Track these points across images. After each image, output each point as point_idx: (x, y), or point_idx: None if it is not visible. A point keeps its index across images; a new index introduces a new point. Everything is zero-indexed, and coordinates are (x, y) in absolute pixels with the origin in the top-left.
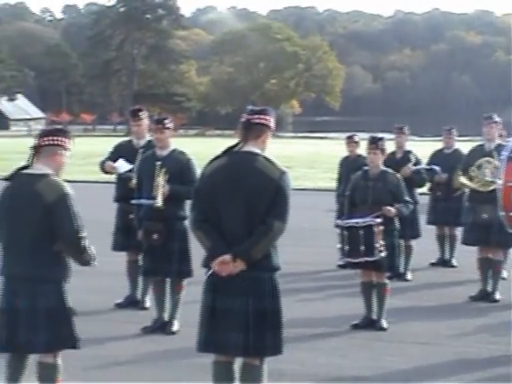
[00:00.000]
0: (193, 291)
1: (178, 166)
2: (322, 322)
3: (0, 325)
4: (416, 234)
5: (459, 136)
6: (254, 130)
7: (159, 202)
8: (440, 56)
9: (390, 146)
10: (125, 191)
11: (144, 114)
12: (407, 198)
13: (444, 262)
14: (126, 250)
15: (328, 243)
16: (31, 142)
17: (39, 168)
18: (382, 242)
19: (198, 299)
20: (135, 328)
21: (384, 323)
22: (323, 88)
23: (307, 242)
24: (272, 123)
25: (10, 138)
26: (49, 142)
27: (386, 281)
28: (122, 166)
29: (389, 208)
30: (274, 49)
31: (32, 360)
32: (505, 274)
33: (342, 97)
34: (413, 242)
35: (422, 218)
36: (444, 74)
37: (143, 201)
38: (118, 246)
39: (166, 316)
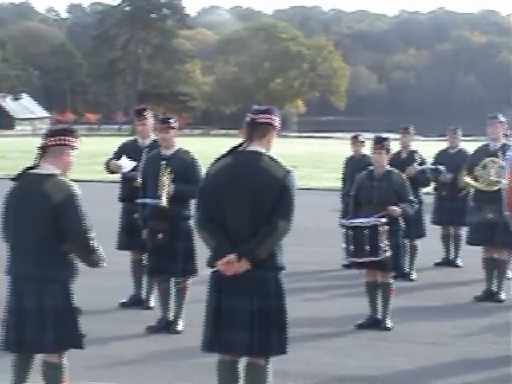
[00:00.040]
0: (197, 291)
1: (183, 165)
2: (327, 321)
3: (8, 325)
4: (421, 234)
5: (464, 136)
6: (259, 130)
7: (164, 201)
8: (445, 56)
9: (395, 146)
10: (130, 191)
11: (149, 114)
12: (412, 198)
13: (449, 262)
14: (130, 249)
15: (333, 243)
16: (36, 141)
17: (46, 168)
18: (386, 242)
19: (202, 299)
20: (140, 327)
21: (389, 323)
22: (328, 88)
23: (312, 241)
24: (277, 123)
25: (15, 138)
26: (56, 142)
27: (391, 280)
28: (126, 163)
29: (394, 208)
30: (278, 48)
31: (37, 360)
32: (510, 274)
33: (346, 96)
34: (418, 242)
35: (427, 218)
36: (449, 74)
37: (148, 200)
38: (122, 246)
39: (171, 315)
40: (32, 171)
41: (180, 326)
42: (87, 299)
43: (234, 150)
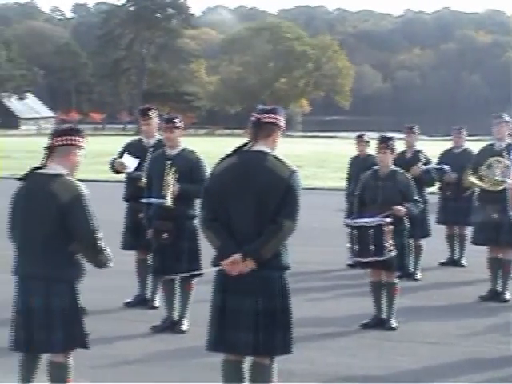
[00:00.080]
0: (202, 290)
1: (188, 164)
2: (332, 321)
3: (17, 325)
4: (426, 234)
5: (469, 135)
6: (264, 129)
7: (169, 201)
8: (450, 55)
9: (399, 146)
10: (134, 190)
11: (154, 113)
12: (417, 198)
13: (454, 262)
14: (135, 249)
15: (337, 242)
16: (41, 141)
17: (53, 168)
18: (391, 242)
19: (207, 298)
20: (144, 327)
21: (394, 323)
22: (333, 87)
23: (317, 241)
24: (282, 122)
25: (20, 137)
26: (63, 142)
27: (396, 280)
28: (129, 160)
29: (398, 207)
30: (283, 48)
31: (43, 360)
32: None
33: (351, 96)
34: (422, 242)
35: (432, 218)
36: (454, 74)
37: (153, 200)
38: (127, 245)
39: (176, 315)
40: (39, 171)
41: (185, 326)
42: (92, 299)
43: (239, 150)
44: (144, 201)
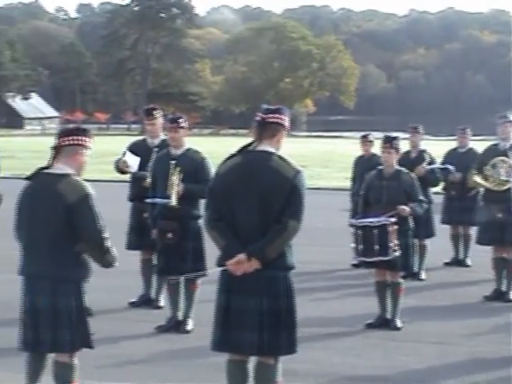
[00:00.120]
0: (207, 290)
1: (193, 164)
2: (336, 321)
3: (25, 325)
4: (430, 234)
5: (473, 135)
6: (269, 129)
7: (173, 200)
8: (454, 55)
9: (404, 146)
10: (139, 190)
11: (158, 113)
12: (421, 198)
13: (458, 262)
14: (139, 248)
15: (342, 242)
16: (45, 141)
17: (60, 168)
18: (396, 242)
19: (212, 298)
20: (149, 327)
21: (398, 323)
22: (337, 87)
23: (321, 241)
24: (287, 122)
25: (25, 137)
26: (69, 142)
27: (400, 280)
28: (131, 158)
29: (403, 207)
30: (288, 48)
31: (49, 360)
32: None
33: (356, 96)
34: (427, 242)
35: (437, 218)
36: (458, 74)
37: (157, 200)
38: (132, 245)
39: (180, 315)
40: (46, 171)
41: (189, 326)
42: (96, 299)
43: (243, 150)
44: (149, 201)
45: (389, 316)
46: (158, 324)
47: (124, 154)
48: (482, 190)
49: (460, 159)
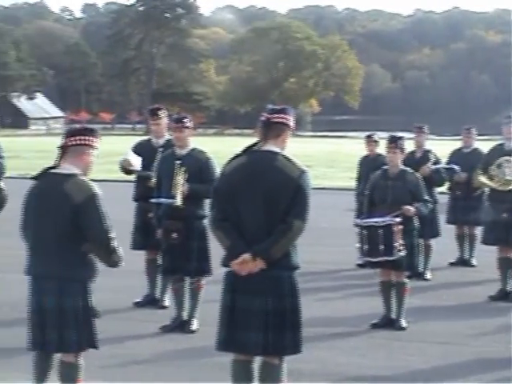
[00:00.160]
0: (212, 290)
1: (198, 164)
2: (341, 321)
3: (32, 325)
4: (435, 234)
5: (478, 135)
6: (274, 129)
7: (178, 200)
8: (459, 55)
9: (409, 145)
10: (144, 190)
11: (163, 113)
12: (426, 198)
13: (463, 262)
14: (144, 248)
15: (347, 242)
16: (50, 141)
17: (67, 168)
18: (401, 242)
19: (217, 298)
20: (154, 327)
21: (403, 323)
22: (342, 87)
23: (326, 241)
24: (292, 122)
25: (30, 137)
26: (76, 142)
27: (406, 280)
28: (134, 158)
29: (408, 207)
30: (292, 48)
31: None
32: None
33: (361, 96)
34: (432, 242)
35: (442, 218)
36: (463, 73)
37: (162, 200)
38: (136, 245)
39: (185, 315)
40: (52, 171)
41: (194, 326)
42: (101, 299)
43: (248, 150)
44: (153, 201)
45: (394, 316)
46: (162, 324)
47: (127, 153)
48: (487, 189)
49: (465, 159)
